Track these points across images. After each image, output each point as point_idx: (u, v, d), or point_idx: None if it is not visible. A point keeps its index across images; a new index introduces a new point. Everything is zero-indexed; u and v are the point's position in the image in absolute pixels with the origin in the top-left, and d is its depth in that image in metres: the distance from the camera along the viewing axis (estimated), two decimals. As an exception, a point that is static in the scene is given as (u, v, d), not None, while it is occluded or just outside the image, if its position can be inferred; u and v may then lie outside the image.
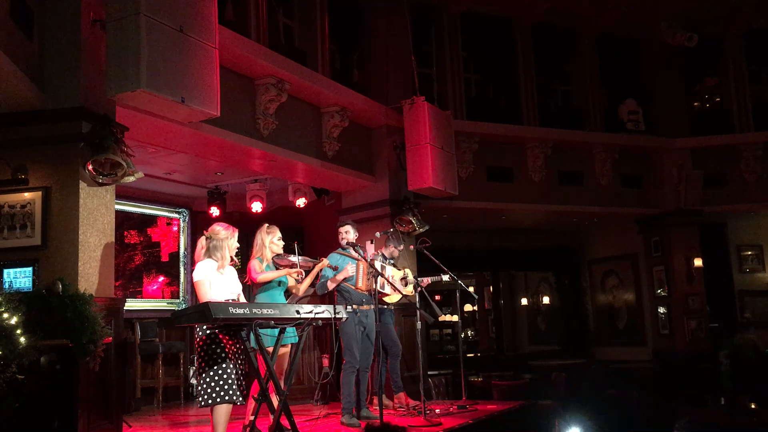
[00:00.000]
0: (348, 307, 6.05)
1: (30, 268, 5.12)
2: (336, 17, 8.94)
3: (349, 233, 6.28)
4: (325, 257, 6.10)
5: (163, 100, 5.11)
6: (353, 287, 6.21)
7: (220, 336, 4.54)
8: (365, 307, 6.24)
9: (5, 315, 4.05)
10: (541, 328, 14.40)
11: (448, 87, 10.33)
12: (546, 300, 14.34)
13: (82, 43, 5.37)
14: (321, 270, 5.87)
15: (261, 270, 5.43)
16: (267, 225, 5.64)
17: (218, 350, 4.52)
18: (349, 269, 6.14)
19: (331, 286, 6.22)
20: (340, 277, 6.16)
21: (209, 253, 4.76)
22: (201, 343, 4.56)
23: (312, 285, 5.99)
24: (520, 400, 7.82)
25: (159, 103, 5.19)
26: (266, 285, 5.47)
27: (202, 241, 4.81)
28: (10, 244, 5.22)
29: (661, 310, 11.51)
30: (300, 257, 5.50)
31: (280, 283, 5.52)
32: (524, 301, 14.74)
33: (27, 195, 5.25)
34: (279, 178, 9.20)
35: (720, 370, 10.80)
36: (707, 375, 10.41)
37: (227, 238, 4.82)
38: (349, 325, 6.05)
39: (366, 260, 6.09)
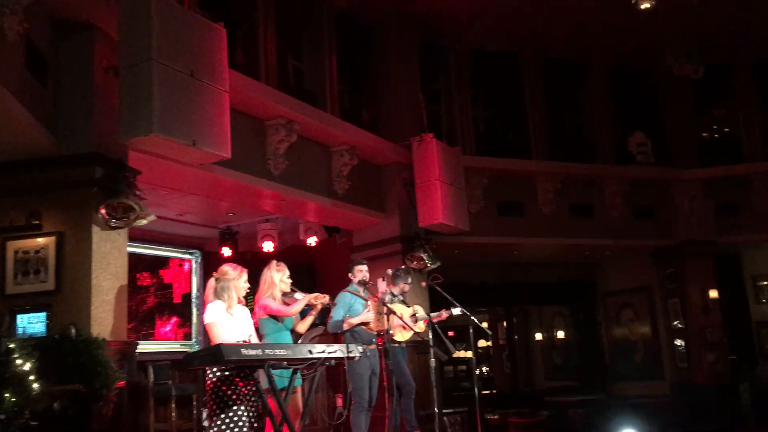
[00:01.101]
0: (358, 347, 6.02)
1: (43, 314, 5.15)
2: (344, 58, 9.07)
3: (362, 271, 6.31)
4: (333, 295, 6.07)
5: (175, 143, 5.18)
6: (364, 327, 6.19)
7: (231, 378, 4.51)
8: (373, 346, 6.20)
9: (18, 361, 4.06)
10: (556, 363, 14.21)
11: (456, 123, 10.39)
12: (561, 334, 14.18)
13: (95, 90, 5.48)
14: (322, 306, 5.81)
15: (281, 305, 5.41)
16: (276, 262, 5.61)
17: (229, 392, 4.48)
18: (369, 315, 6.12)
19: (346, 326, 6.18)
20: (356, 320, 6.14)
21: (218, 294, 4.75)
22: (212, 385, 4.53)
23: (314, 324, 5.95)
24: (538, 438, 7.68)
25: (171, 146, 5.26)
26: (274, 327, 5.43)
27: (211, 282, 4.80)
28: (23, 289, 5.27)
29: (678, 342, 11.35)
30: (305, 295, 5.50)
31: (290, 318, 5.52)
32: (539, 336, 14.58)
33: (41, 240, 5.30)
34: (290, 217, 9.24)
35: (740, 403, 10.60)
36: (727, 409, 10.21)
37: (235, 278, 4.80)
38: (359, 364, 5.99)
39: (379, 300, 6.07)
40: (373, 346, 6.22)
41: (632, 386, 12.23)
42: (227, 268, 4.82)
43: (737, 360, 11.28)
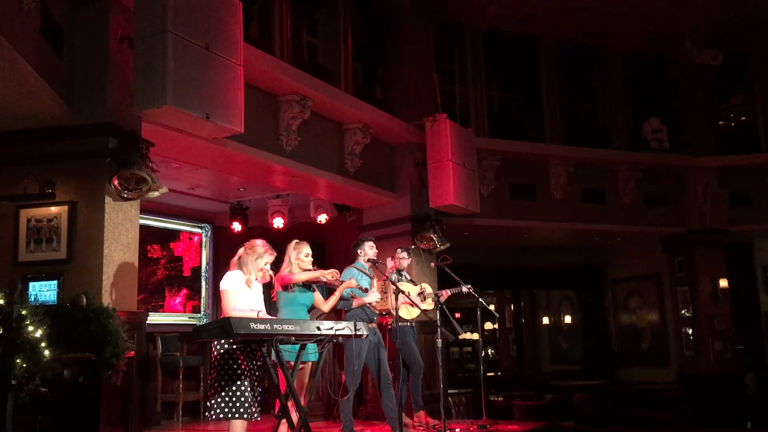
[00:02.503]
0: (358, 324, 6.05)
1: (55, 282, 5.19)
2: (359, 35, 9.01)
3: (373, 248, 6.33)
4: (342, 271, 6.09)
5: (188, 116, 5.17)
6: (369, 304, 6.21)
7: (237, 352, 4.54)
8: (374, 324, 6.22)
9: (30, 328, 4.10)
10: (562, 348, 14.24)
11: (470, 104, 10.34)
12: (568, 319, 14.19)
13: (110, 60, 5.47)
14: (329, 283, 5.84)
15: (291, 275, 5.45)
16: (296, 241, 5.67)
17: (234, 366, 4.52)
18: (376, 296, 6.14)
19: (356, 304, 6.20)
20: (365, 300, 6.15)
21: (239, 264, 4.80)
22: (219, 357, 4.57)
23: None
24: (542, 421, 7.73)
25: (184, 119, 5.25)
26: (291, 301, 5.47)
27: (239, 251, 4.85)
28: (36, 257, 5.30)
29: (686, 330, 11.34)
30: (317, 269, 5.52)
31: (306, 293, 5.55)
32: (546, 320, 14.61)
33: (54, 209, 5.33)
34: (301, 194, 9.24)
35: (747, 393, 10.61)
36: (733, 398, 10.22)
37: (259, 255, 4.81)
38: (357, 342, 6.00)
39: (387, 279, 6.07)
40: (374, 325, 6.22)
41: (638, 372, 12.26)
42: (257, 243, 4.83)
43: (745, 350, 11.26)
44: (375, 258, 6.25)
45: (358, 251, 6.37)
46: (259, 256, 4.79)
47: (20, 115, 5.23)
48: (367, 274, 6.25)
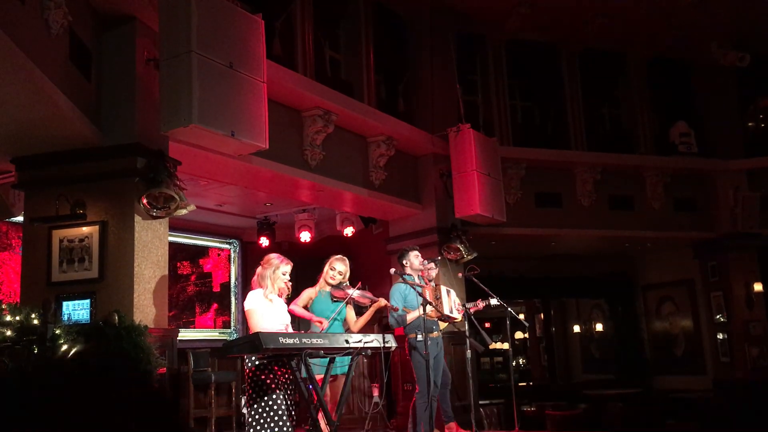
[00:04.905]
0: (419, 335, 5.99)
1: (88, 301, 5.27)
2: (381, 49, 9.05)
3: (418, 257, 6.30)
4: (376, 288, 6.07)
5: (214, 134, 5.23)
6: (424, 315, 6.15)
7: (270, 366, 4.58)
8: (434, 334, 6.16)
9: (64, 347, 4.16)
10: (594, 356, 14.04)
11: (494, 114, 10.31)
12: (599, 327, 14.01)
13: (137, 81, 5.57)
14: (380, 309, 5.80)
15: (302, 300, 5.50)
16: (338, 256, 5.69)
17: (267, 381, 4.55)
18: (421, 310, 6.03)
19: (410, 319, 6.16)
20: (415, 315, 6.08)
21: (259, 281, 4.88)
22: (250, 374, 4.61)
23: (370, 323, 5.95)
24: (575, 431, 7.63)
25: (210, 137, 5.32)
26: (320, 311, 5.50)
27: (258, 270, 4.93)
28: (68, 277, 5.39)
29: (721, 336, 11.13)
30: (358, 292, 5.51)
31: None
32: (576, 329, 14.43)
33: (85, 229, 5.42)
34: (327, 207, 9.29)
35: (786, 400, 10.34)
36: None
37: (275, 267, 4.90)
38: (419, 353, 5.98)
39: (435, 285, 6.05)
40: (435, 334, 6.16)
41: (673, 380, 12.04)
42: (272, 257, 4.94)
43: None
44: (421, 266, 6.22)
45: (404, 262, 6.33)
46: (276, 267, 4.88)
47: (50, 138, 5.35)
48: (417, 285, 6.14)
